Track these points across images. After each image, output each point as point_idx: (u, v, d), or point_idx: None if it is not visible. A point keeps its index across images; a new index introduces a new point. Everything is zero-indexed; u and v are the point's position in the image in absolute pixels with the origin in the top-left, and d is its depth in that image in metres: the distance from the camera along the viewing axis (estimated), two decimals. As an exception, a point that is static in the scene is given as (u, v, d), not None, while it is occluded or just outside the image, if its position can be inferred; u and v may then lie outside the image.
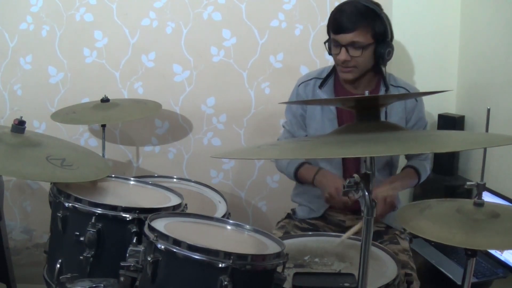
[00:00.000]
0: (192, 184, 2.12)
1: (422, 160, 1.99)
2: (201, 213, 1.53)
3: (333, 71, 1.96)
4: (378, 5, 1.82)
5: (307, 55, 2.45)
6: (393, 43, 1.85)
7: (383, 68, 1.90)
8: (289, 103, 2.04)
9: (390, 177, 1.93)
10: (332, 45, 1.83)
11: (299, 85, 2.00)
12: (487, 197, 1.91)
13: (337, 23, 1.79)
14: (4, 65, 2.50)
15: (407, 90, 1.94)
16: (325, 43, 1.88)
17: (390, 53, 1.83)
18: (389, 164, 1.98)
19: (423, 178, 1.97)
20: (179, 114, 2.54)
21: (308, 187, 2.00)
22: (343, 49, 1.78)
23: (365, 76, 1.89)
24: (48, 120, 2.32)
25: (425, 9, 2.40)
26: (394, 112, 1.89)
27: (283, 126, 2.06)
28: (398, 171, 2.05)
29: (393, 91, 1.90)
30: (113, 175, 1.80)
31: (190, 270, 1.22)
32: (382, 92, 1.91)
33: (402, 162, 2.07)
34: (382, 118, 1.86)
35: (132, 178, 1.84)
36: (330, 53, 1.89)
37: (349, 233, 1.66)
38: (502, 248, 1.79)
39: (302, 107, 1.97)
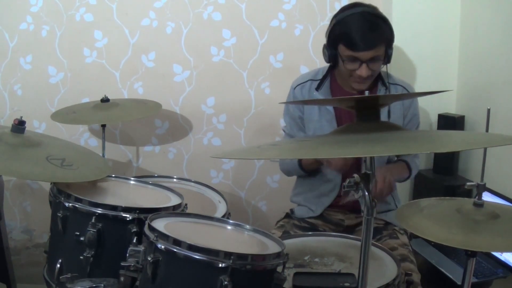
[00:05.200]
0: (192, 184, 2.12)
1: (412, 157, 2.01)
2: (201, 213, 1.53)
3: (329, 72, 1.95)
4: (377, 9, 1.81)
5: (307, 55, 2.45)
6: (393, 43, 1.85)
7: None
8: (289, 103, 2.04)
9: (387, 164, 1.93)
10: (348, 61, 1.78)
11: (295, 87, 1.98)
12: (487, 197, 1.91)
13: (356, 41, 1.72)
14: (4, 65, 2.50)
15: (404, 87, 1.95)
16: (324, 49, 1.85)
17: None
18: (389, 163, 1.99)
19: (414, 174, 2.00)
20: (179, 114, 2.54)
21: (307, 187, 2.00)
22: (364, 65, 1.75)
23: None
24: (48, 120, 2.32)
25: (425, 9, 2.40)
26: (393, 109, 1.90)
27: (283, 130, 2.06)
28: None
29: (390, 89, 1.91)
30: (113, 175, 1.80)
31: (190, 270, 1.22)
32: (381, 90, 1.91)
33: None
34: (385, 115, 1.87)
35: (132, 178, 1.84)
36: (329, 61, 1.86)
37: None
38: (502, 250, 1.79)
39: (299, 109, 1.96)
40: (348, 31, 1.74)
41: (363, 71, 1.76)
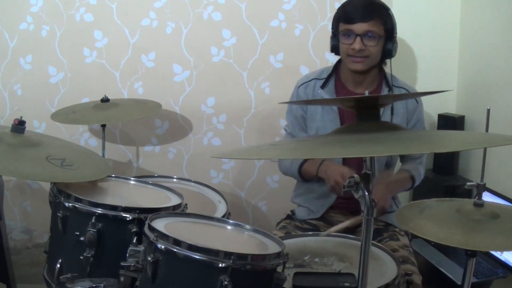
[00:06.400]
0: (192, 184, 2.12)
1: (417, 164, 2.00)
2: (201, 213, 1.53)
3: (334, 71, 1.96)
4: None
5: (307, 55, 2.45)
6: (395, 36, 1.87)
7: (385, 68, 1.92)
8: (289, 102, 2.05)
9: (386, 180, 1.93)
10: (343, 36, 1.84)
11: (299, 86, 1.99)
12: (487, 197, 1.91)
13: (352, 13, 1.81)
14: (4, 65, 2.50)
15: (407, 91, 1.95)
16: (330, 39, 1.89)
17: (396, 50, 1.86)
18: (389, 164, 1.99)
19: (417, 182, 1.99)
20: (179, 114, 2.54)
21: (308, 188, 2.00)
22: (358, 38, 1.79)
23: (369, 74, 1.90)
24: (48, 120, 2.32)
25: (425, 9, 2.40)
26: (396, 112, 1.90)
27: (285, 129, 2.06)
28: (396, 169, 2.05)
29: (395, 91, 1.91)
30: (113, 175, 1.80)
31: (190, 270, 1.22)
32: (384, 91, 1.91)
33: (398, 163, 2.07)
34: (387, 118, 1.87)
35: (132, 178, 1.84)
36: (332, 50, 1.90)
37: (340, 226, 1.67)
38: (502, 249, 1.79)
39: (302, 109, 1.97)
40: (345, 7, 1.85)
41: (356, 44, 1.80)
